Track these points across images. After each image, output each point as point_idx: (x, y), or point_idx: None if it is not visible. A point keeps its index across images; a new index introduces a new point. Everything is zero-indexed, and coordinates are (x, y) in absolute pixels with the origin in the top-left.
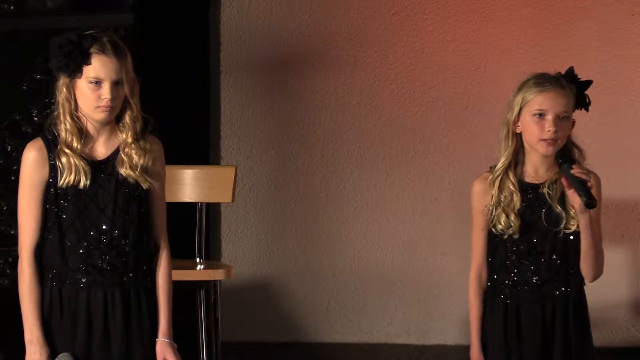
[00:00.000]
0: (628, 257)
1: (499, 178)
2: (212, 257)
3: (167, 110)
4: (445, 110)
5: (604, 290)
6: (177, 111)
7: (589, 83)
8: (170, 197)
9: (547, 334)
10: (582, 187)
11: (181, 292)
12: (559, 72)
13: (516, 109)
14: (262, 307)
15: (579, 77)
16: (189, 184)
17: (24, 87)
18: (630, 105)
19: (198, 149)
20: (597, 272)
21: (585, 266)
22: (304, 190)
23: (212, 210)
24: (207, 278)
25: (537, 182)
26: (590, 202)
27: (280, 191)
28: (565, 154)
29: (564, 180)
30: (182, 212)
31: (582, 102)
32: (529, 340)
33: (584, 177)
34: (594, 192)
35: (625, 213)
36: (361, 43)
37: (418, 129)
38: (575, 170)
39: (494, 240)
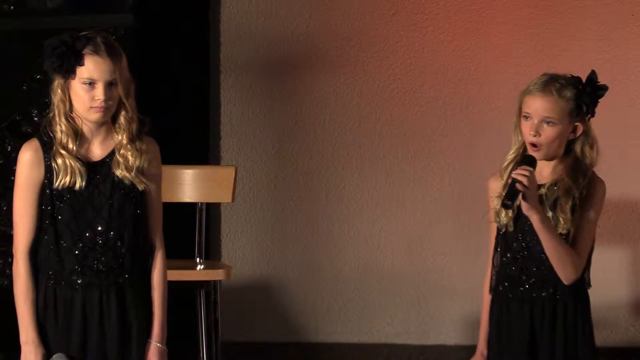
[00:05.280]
0: (628, 257)
1: (508, 170)
2: (212, 257)
3: (167, 110)
4: (445, 110)
5: (604, 290)
6: (177, 111)
7: (588, 90)
8: (170, 197)
9: (534, 333)
10: (510, 186)
11: (181, 292)
12: (570, 75)
13: (517, 107)
14: (262, 307)
15: (595, 82)
16: (189, 184)
17: (24, 87)
18: (630, 105)
19: (198, 149)
20: (566, 274)
21: (554, 267)
22: (304, 190)
23: (212, 210)
24: (207, 278)
25: (540, 183)
26: (503, 202)
27: (280, 191)
28: (529, 156)
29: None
30: (182, 212)
31: (579, 109)
32: (517, 338)
33: (518, 177)
34: (516, 196)
35: (625, 213)
36: (361, 43)
37: (418, 129)
38: (516, 170)
39: (497, 237)
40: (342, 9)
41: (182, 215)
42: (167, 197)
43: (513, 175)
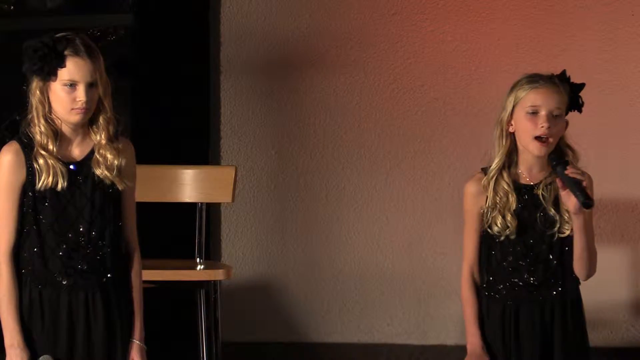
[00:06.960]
0: (628, 257)
1: (494, 179)
2: (212, 257)
3: (167, 110)
4: (445, 110)
5: (604, 290)
6: (177, 111)
7: (582, 86)
8: (170, 197)
9: (545, 334)
10: (578, 187)
11: (181, 292)
12: (552, 74)
13: (509, 108)
14: (262, 307)
15: (571, 80)
16: (189, 184)
17: (24, 87)
18: (630, 105)
19: (198, 149)
20: (591, 271)
21: (579, 267)
22: (304, 190)
23: (212, 210)
24: (207, 278)
25: (531, 183)
26: (587, 202)
27: (280, 191)
28: (558, 155)
29: (558, 182)
30: (182, 212)
31: (575, 104)
32: (528, 341)
33: (578, 177)
34: (589, 192)
35: (625, 213)
36: (361, 43)
37: (418, 129)
38: (569, 171)
39: (489, 242)
40: (342, 9)
41: (182, 215)
42: (167, 197)
43: (572, 176)
